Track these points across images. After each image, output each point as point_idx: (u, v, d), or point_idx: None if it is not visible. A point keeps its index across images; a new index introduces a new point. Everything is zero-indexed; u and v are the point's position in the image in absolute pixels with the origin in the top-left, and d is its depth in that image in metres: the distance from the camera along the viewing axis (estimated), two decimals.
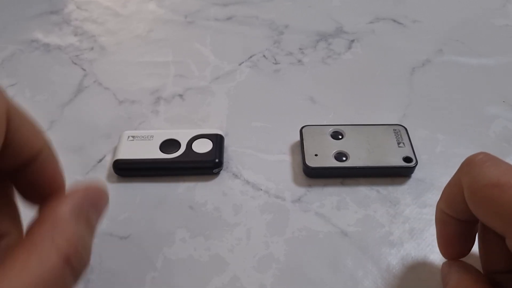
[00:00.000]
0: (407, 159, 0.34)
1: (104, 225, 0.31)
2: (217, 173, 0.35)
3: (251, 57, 0.47)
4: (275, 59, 0.47)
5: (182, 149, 0.35)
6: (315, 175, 0.34)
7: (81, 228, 0.19)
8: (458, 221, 0.25)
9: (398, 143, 0.35)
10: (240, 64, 0.46)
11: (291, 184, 0.34)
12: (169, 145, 0.35)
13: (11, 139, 0.18)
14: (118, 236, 0.31)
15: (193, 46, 0.49)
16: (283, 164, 0.36)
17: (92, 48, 0.49)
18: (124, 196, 0.34)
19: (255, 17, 0.53)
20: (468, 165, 0.23)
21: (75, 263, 0.18)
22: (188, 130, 0.37)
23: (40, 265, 0.16)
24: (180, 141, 0.35)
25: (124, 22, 0.53)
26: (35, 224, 0.18)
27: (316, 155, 0.34)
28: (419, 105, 0.41)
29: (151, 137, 0.36)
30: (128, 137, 0.36)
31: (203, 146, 0.35)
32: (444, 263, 0.26)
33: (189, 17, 0.54)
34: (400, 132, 0.36)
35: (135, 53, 0.48)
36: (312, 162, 0.34)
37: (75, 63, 0.47)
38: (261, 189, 0.34)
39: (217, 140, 0.36)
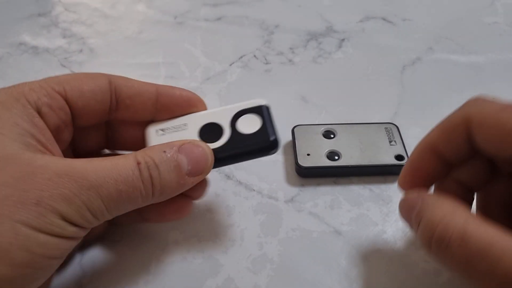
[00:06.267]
0: (399, 157, 0.34)
1: None
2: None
3: (241, 57, 0.47)
4: (265, 59, 0.47)
5: (227, 133, 0.28)
6: (307, 175, 0.34)
7: (164, 159, 0.24)
8: (438, 159, 0.26)
9: (390, 142, 0.35)
10: (231, 65, 0.46)
11: (284, 184, 0.34)
12: (210, 131, 0.28)
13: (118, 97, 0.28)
14: (111, 240, 0.31)
15: (184, 47, 0.49)
16: (275, 164, 0.36)
17: (81, 50, 0.49)
18: None
19: (245, 17, 0.53)
20: (475, 100, 0.24)
21: (144, 168, 0.23)
22: (225, 106, 0.29)
23: (120, 159, 0.23)
24: (221, 123, 0.28)
25: (113, 23, 0.53)
26: None
27: (308, 154, 0.34)
28: (410, 103, 0.41)
29: (184, 125, 0.29)
30: (157, 131, 0.29)
31: (250, 124, 0.28)
32: (406, 198, 0.25)
33: (179, 17, 0.53)
34: (391, 130, 0.36)
35: (124, 55, 0.48)
36: (304, 162, 0.34)
37: (64, 66, 0.46)
38: (254, 190, 0.34)
39: (265, 113, 0.28)
